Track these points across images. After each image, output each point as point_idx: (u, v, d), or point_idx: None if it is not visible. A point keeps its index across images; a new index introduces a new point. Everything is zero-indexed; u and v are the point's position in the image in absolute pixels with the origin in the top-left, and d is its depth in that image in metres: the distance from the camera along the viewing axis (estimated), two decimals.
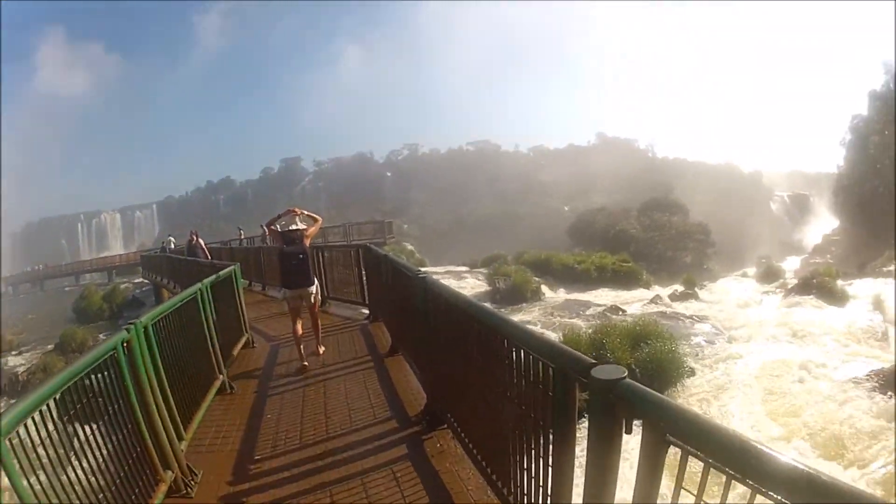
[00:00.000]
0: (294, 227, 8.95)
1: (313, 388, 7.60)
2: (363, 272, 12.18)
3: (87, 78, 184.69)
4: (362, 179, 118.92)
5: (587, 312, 26.06)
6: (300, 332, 8.90)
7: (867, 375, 14.35)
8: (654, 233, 61.79)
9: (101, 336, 29.70)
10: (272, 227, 9.20)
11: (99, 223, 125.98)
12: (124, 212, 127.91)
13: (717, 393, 14.61)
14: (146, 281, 41.91)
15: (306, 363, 8.65)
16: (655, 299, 29.56)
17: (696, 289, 32.10)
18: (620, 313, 25.23)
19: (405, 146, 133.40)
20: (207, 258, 22.23)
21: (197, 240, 23.32)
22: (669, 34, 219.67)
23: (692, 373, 15.44)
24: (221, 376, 7.60)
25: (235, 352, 9.28)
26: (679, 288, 32.97)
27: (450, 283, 32.27)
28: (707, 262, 57.71)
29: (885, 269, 32.92)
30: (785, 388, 14.49)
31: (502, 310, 26.90)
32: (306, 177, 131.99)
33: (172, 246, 31.41)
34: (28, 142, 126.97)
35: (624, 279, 37.87)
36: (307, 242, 9.02)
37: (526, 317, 25.71)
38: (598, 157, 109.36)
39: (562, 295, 33.34)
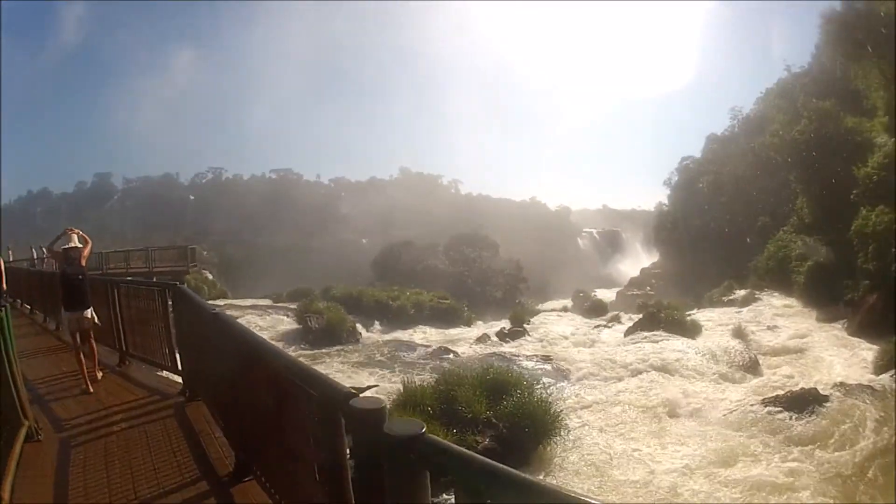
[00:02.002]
0: (72, 244, 9.10)
1: None
2: (172, 324, 9.15)
3: None
4: (167, 201, 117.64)
5: (414, 355, 24.13)
6: (83, 358, 8.93)
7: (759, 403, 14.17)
8: (464, 268, 60.91)
9: None
10: (52, 248, 9.52)
11: None
12: None
13: (601, 442, 13.18)
14: None
15: (91, 390, 8.79)
16: (483, 338, 28.18)
17: (524, 326, 30.15)
18: (452, 355, 23.64)
19: (210, 170, 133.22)
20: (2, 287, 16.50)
21: None
22: (466, 72, 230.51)
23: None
24: None
25: (13, 460, 5.90)
26: (506, 325, 31.39)
27: (255, 319, 29.33)
28: (519, 297, 57.24)
29: (724, 298, 34.59)
30: (676, 428, 13.81)
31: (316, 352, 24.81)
32: (115, 194, 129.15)
33: None
34: None
35: (444, 316, 36.44)
36: (83, 263, 9.18)
37: (343, 361, 23.06)
38: (400, 192, 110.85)
39: (379, 335, 31.24)
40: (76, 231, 9.35)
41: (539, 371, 19.42)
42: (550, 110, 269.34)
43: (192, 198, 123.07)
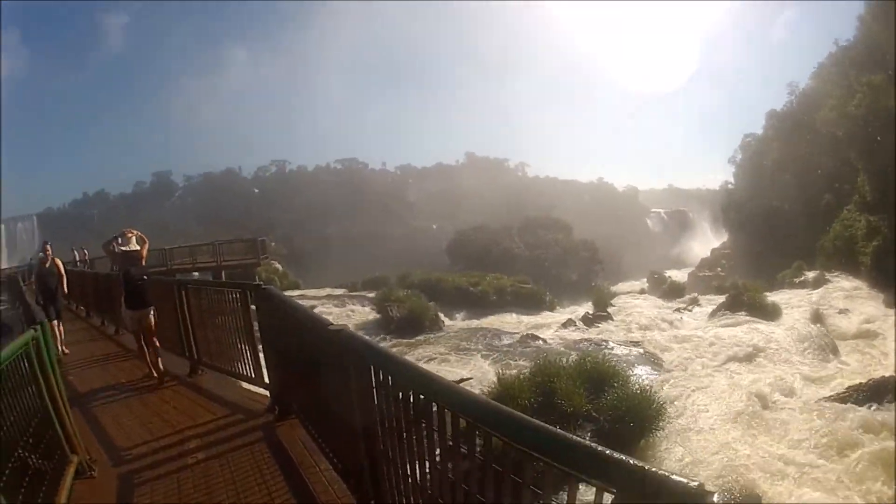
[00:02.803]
0: (132, 247, 9.46)
1: None
2: (255, 327, 7.84)
3: None
4: (230, 195, 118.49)
5: (502, 342, 23.71)
6: (146, 349, 9.43)
7: (846, 391, 14.09)
8: (540, 250, 61.08)
9: None
10: (110, 249, 9.64)
11: None
12: (7, 223, 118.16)
13: (703, 434, 12.91)
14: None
15: (167, 378, 9.28)
16: (568, 323, 27.94)
17: (608, 310, 30.52)
18: (540, 342, 23.30)
19: (273, 162, 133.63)
20: (63, 290, 13.60)
21: (52, 259, 13.60)
22: (528, 57, 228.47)
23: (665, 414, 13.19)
24: None
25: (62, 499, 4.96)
26: (589, 309, 31.48)
27: (332, 309, 29.81)
28: (594, 279, 57.33)
29: (796, 280, 33.92)
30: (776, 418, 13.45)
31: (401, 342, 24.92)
32: (176, 192, 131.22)
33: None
34: None
35: (526, 301, 36.25)
36: (143, 264, 9.69)
37: (432, 350, 22.76)
38: (467, 176, 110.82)
39: (463, 322, 31.17)
40: (134, 232, 9.60)
41: (632, 358, 19.42)
42: (614, 90, 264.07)
43: (256, 191, 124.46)
